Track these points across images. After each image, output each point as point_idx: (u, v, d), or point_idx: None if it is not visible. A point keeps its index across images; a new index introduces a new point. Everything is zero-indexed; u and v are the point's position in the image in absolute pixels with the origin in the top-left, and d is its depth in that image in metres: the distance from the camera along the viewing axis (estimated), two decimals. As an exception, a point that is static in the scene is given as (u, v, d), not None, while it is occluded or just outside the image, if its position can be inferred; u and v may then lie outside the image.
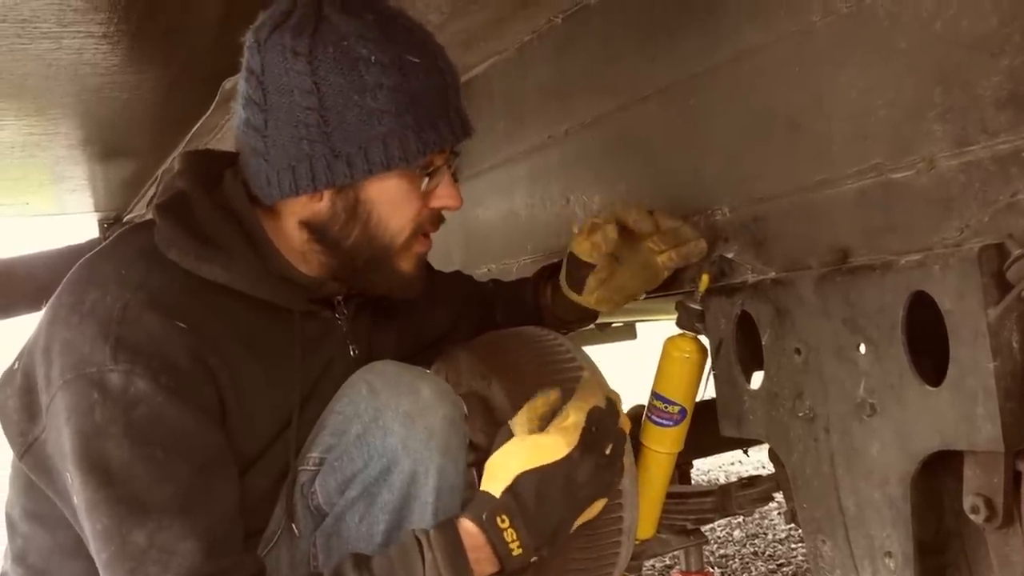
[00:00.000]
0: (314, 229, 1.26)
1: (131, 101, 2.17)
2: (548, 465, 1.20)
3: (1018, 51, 1.02)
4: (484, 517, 1.18)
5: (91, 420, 1.12)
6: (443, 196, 1.29)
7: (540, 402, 1.28)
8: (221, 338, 1.20)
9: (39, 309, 1.25)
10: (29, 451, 1.21)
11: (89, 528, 1.13)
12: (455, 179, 1.37)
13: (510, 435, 1.25)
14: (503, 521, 1.18)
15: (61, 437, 1.14)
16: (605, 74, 1.71)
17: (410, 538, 1.17)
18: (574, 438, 1.22)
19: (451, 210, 1.32)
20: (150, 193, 3.33)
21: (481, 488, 1.22)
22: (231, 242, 1.24)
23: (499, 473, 1.21)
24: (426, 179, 1.26)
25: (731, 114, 1.41)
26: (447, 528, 1.18)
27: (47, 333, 1.19)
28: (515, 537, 1.18)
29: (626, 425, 1.32)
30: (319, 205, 1.24)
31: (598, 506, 1.27)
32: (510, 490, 1.19)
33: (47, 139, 2.54)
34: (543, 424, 1.26)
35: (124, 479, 1.11)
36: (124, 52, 1.80)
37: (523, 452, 1.22)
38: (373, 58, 1.17)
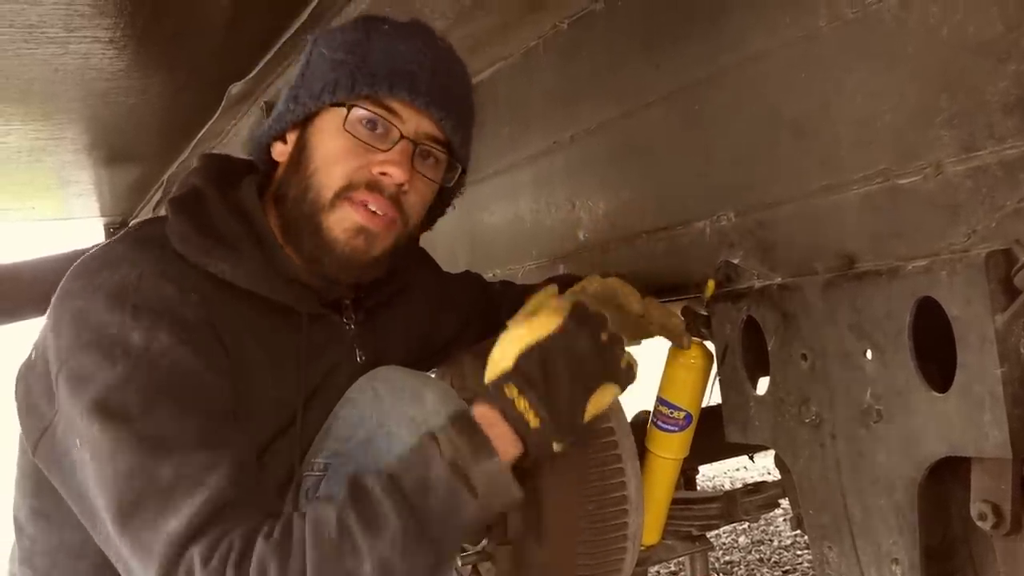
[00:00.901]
0: (278, 195, 1.30)
1: (137, 106, 2.18)
2: (546, 338, 1.18)
3: (1025, 56, 1.02)
4: (489, 391, 1.16)
5: (113, 373, 1.10)
6: (386, 161, 1.26)
7: (534, 303, 1.28)
8: (230, 324, 1.20)
9: (43, 313, 1.25)
10: (44, 436, 1.19)
11: (109, 473, 1.08)
12: (467, 187, 1.40)
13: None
14: (511, 390, 1.15)
15: (77, 397, 1.12)
16: (610, 80, 1.71)
17: (423, 435, 1.14)
18: (564, 312, 1.20)
19: (391, 179, 1.26)
20: (156, 198, 3.33)
21: (485, 381, 1.21)
22: (240, 241, 1.25)
23: (499, 361, 1.20)
24: (364, 128, 1.26)
25: (736, 120, 1.41)
26: (459, 412, 1.16)
27: (58, 310, 1.18)
28: (527, 407, 1.14)
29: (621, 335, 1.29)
30: (283, 156, 1.32)
31: (608, 393, 1.22)
32: (515, 367, 1.17)
33: (53, 144, 2.55)
34: None
35: (147, 420, 1.09)
36: (130, 57, 1.81)
37: (518, 335, 1.21)
38: (354, 25, 1.32)
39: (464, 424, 1.13)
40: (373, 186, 1.26)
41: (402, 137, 1.27)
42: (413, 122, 1.28)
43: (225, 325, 1.19)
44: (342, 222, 1.26)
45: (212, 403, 1.13)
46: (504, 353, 1.20)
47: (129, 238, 1.26)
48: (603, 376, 1.21)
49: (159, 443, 1.08)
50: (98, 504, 1.10)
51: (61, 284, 1.21)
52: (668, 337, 1.45)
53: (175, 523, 1.03)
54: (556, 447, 1.17)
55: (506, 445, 1.13)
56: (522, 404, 1.14)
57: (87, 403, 1.10)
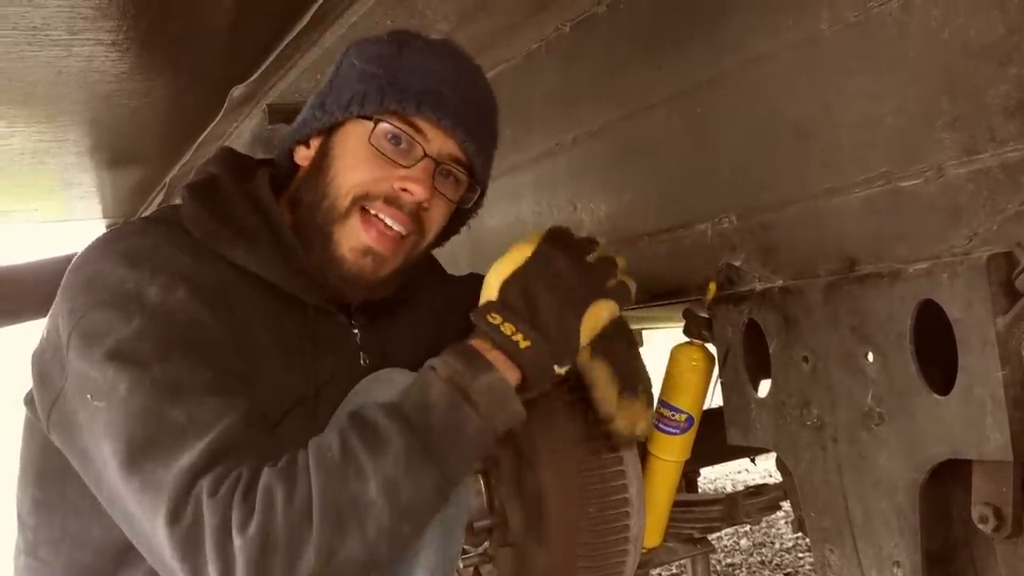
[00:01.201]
0: (295, 197, 1.31)
1: (140, 108, 2.18)
2: (521, 265, 1.22)
3: (1027, 60, 1.02)
4: (474, 320, 1.18)
5: (129, 326, 1.10)
6: (408, 178, 1.26)
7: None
8: (241, 306, 1.21)
9: (44, 315, 1.25)
10: (55, 405, 1.17)
11: (122, 416, 1.08)
12: (476, 204, 1.41)
13: None
14: (494, 319, 1.17)
15: (91, 350, 1.11)
16: (612, 82, 1.71)
17: (422, 368, 1.16)
18: (536, 239, 1.24)
19: (412, 196, 1.26)
20: (158, 200, 3.34)
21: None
22: (253, 228, 1.26)
23: (484, 296, 1.23)
24: (389, 142, 1.26)
25: (738, 122, 1.41)
26: (454, 344, 1.17)
27: (71, 276, 1.18)
28: (513, 330, 1.16)
29: (618, 260, 1.29)
30: (305, 160, 1.32)
31: (604, 309, 1.24)
32: (497, 297, 1.20)
33: (56, 146, 2.55)
34: None
35: (162, 366, 1.09)
36: (133, 60, 1.81)
37: (496, 268, 1.24)
38: (386, 39, 1.32)
39: (460, 350, 1.14)
40: (392, 200, 1.26)
41: (425, 155, 1.28)
42: (437, 142, 1.29)
43: (236, 304, 1.21)
44: (350, 239, 1.26)
45: (226, 360, 1.14)
46: (488, 287, 1.23)
47: (143, 220, 1.29)
48: (590, 293, 1.23)
49: (173, 387, 1.08)
50: (105, 452, 1.09)
51: (75, 258, 1.21)
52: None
53: (186, 459, 1.04)
54: (558, 370, 1.19)
55: (503, 369, 1.14)
56: (508, 328, 1.16)
57: (101, 354, 1.10)
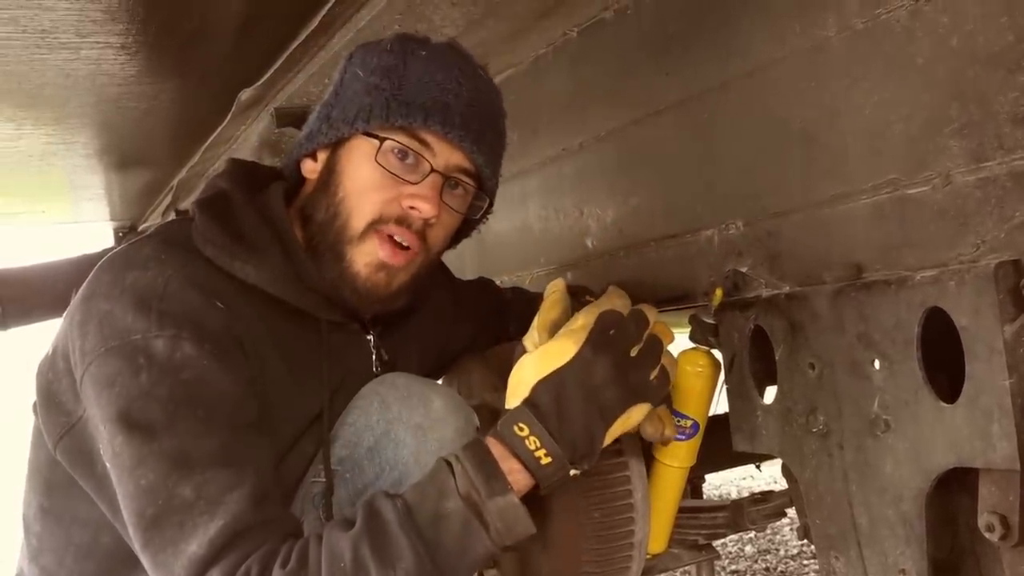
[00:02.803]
0: (304, 213, 1.30)
1: (148, 111, 2.19)
2: (559, 369, 1.16)
3: (1035, 67, 1.02)
4: (500, 428, 1.15)
5: (136, 383, 1.11)
6: (416, 196, 1.26)
7: (546, 308, 1.26)
8: (252, 331, 1.21)
9: (54, 316, 1.25)
10: (70, 432, 1.20)
11: (132, 488, 1.10)
12: (484, 213, 1.40)
13: (523, 351, 1.23)
14: (521, 430, 1.14)
15: (101, 403, 1.13)
16: (619, 88, 1.71)
17: (439, 461, 1.14)
18: (581, 338, 1.18)
19: (420, 213, 1.26)
20: (165, 202, 3.35)
21: (504, 407, 1.20)
22: (265, 245, 1.26)
23: (517, 388, 1.19)
24: (395, 158, 1.26)
25: (745, 128, 1.41)
26: (474, 443, 1.15)
27: (83, 309, 1.18)
28: (538, 445, 1.13)
29: (665, 335, 1.24)
30: (312, 174, 1.31)
31: (637, 413, 1.20)
32: (528, 400, 1.16)
33: (65, 148, 2.56)
34: (554, 333, 1.23)
35: (170, 436, 1.10)
36: (142, 63, 1.82)
37: (534, 362, 1.19)
38: (391, 47, 1.30)
39: (479, 457, 1.12)
40: (402, 220, 1.26)
41: (432, 170, 1.27)
42: (444, 155, 1.28)
43: (248, 331, 1.20)
44: (365, 256, 1.27)
45: (234, 416, 1.14)
46: (521, 381, 1.19)
47: (156, 238, 1.27)
48: (627, 400, 1.18)
49: (181, 460, 1.09)
50: (125, 512, 1.12)
51: (87, 282, 1.21)
52: None
53: (195, 547, 1.05)
54: (573, 472, 1.17)
55: (518, 478, 1.13)
56: (533, 443, 1.13)
57: (110, 414, 1.11)
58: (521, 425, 1.14)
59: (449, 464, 1.12)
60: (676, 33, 1.55)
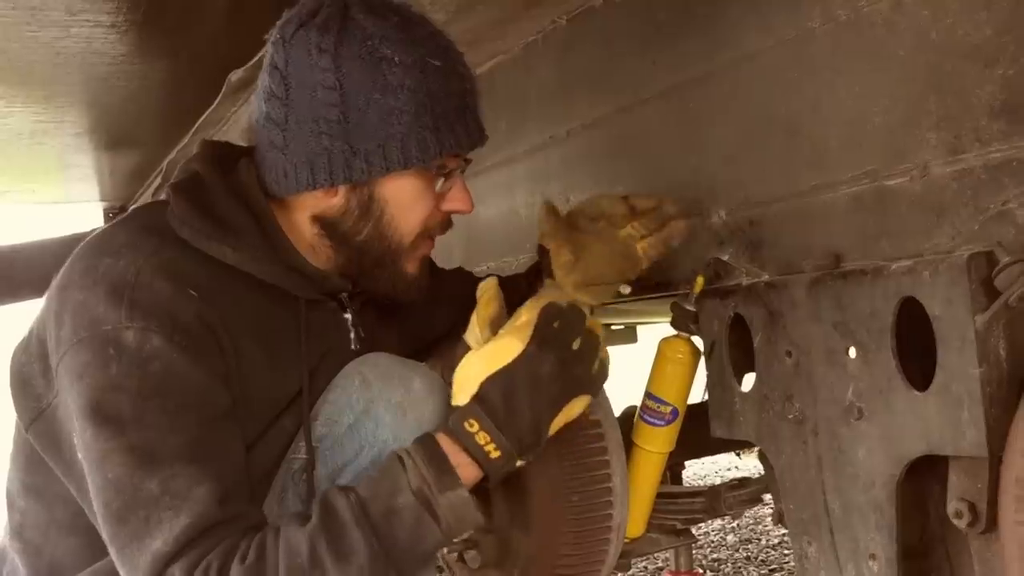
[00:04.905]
0: (326, 224, 1.28)
1: (138, 91, 2.19)
2: (507, 365, 1.22)
3: (1012, 61, 1.03)
4: (451, 424, 1.21)
5: (106, 375, 1.13)
6: (455, 199, 1.32)
7: (483, 305, 1.32)
8: (227, 314, 1.21)
9: (42, 295, 1.26)
10: (40, 417, 1.22)
11: (100, 480, 1.13)
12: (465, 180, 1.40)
13: (467, 348, 1.29)
14: (471, 425, 1.19)
15: (72, 394, 1.15)
16: (607, 76, 1.72)
17: (391, 456, 1.19)
18: (526, 334, 1.24)
19: (462, 213, 1.34)
20: (155, 183, 3.34)
21: (452, 403, 1.26)
22: (242, 226, 1.26)
23: (464, 384, 1.25)
24: (441, 180, 1.29)
25: (730, 118, 1.42)
26: (424, 439, 1.20)
27: (59, 297, 1.20)
28: (487, 440, 1.19)
29: (596, 326, 1.30)
30: (333, 200, 1.26)
31: (578, 405, 1.27)
32: (476, 396, 1.22)
33: (54, 127, 2.56)
34: (495, 329, 1.30)
35: (137, 429, 1.12)
36: (132, 42, 1.82)
37: (481, 359, 1.25)
38: (396, 59, 1.20)
39: (431, 453, 1.17)
40: (446, 225, 1.35)
41: (459, 167, 1.32)
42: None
43: (223, 316, 1.20)
44: (416, 260, 1.34)
45: (203, 409, 1.16)
46: (468, 377, 1.25)
47: (133, 223, 1.27)
48: (570, 392, 1.25)
49: (147, 454, 1.11)
50: (95, 502, 1.15)
51: (63, 269, 1.23)
52: (663, 245, 1.42)
53: (159, 543, 1.09)
54: (519, 463, 1.23)
55: (468, 472, 1.19)
56: (483, 438, 1.19)
57: (81, 405, 1.14)
58: (472, 421, 1.20)
59: (401, 459, 1.17)
60: (663, 22, 1.56)
